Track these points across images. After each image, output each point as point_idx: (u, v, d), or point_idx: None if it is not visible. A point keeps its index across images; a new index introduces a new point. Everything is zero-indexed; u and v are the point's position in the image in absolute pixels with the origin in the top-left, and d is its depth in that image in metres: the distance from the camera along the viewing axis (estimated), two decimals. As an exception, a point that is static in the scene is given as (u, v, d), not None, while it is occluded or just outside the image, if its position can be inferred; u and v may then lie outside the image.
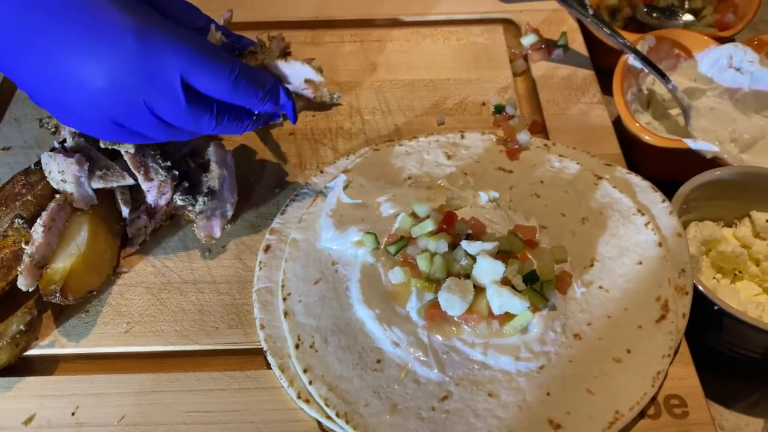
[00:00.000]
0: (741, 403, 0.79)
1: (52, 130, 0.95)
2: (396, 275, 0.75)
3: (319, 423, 0.69)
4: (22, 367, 0.74)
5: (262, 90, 0.72)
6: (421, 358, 0.71)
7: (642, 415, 0.68)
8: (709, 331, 0.76)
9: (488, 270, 0.71)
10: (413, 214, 0.78)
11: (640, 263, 0.77)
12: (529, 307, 0.70)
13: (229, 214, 0.84)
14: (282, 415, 0.70)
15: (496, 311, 0.70)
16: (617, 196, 0.83)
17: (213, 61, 0.68)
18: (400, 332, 0.72)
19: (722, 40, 1.03)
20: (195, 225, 0.80)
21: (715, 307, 0.73)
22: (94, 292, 0.78)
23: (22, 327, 0.71)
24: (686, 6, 1.16)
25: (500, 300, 0.69)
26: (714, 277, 0.84)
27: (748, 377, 0.81)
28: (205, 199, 0.81)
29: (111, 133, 0.72)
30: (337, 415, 0.67)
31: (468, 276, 0.72)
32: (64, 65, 0.65)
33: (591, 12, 1.00)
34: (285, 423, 0.69)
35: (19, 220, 0.77)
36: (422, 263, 0.73)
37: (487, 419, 0.67)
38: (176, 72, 0.67)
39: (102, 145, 0.81)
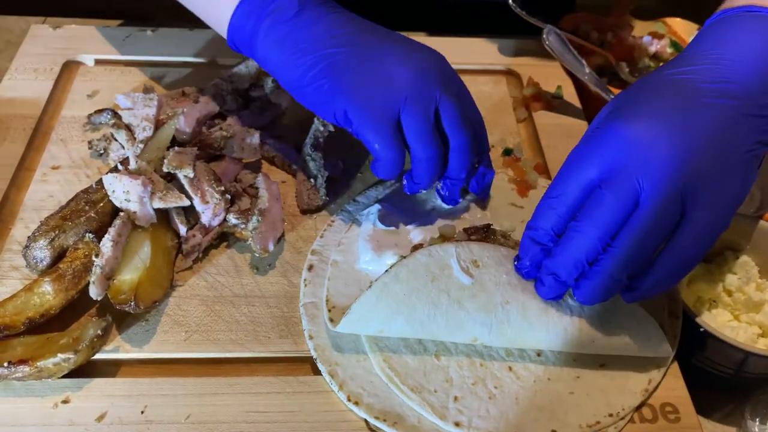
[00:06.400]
0: (717, 414, 0.92)
1: (101, 151, 1.03)
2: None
3: (366, 423, 0.78)
4: (87, 369, 0.81)
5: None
6: (455, 367, 0.81)
7: (642, 419, 0.80)
8: (694, 349, 0.89)
9: None
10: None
11: (638, 290, 0.90)
12: None
13: (280, 231, 0.93)
14: (333, 416, 0.78)
15: None
16: (614, 232, 0.96)
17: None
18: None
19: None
20: (251, 239, 0.89)
21: (701, 329, 0.85)
22: (158, 303, 0.85)
23: (99, 331, 0.78)
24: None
25: None
26: (693, 306, 0.97)
27: (724, 391, 0.94)
28: (259, 218, 0.90)
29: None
30: (386, 416, 0.77)
31: None
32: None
33: (587, 70, 1.14)
34: (336, 423, 0.78)
35: (90, 234, 0.84)
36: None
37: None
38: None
39: (165, 169, 0.90)
